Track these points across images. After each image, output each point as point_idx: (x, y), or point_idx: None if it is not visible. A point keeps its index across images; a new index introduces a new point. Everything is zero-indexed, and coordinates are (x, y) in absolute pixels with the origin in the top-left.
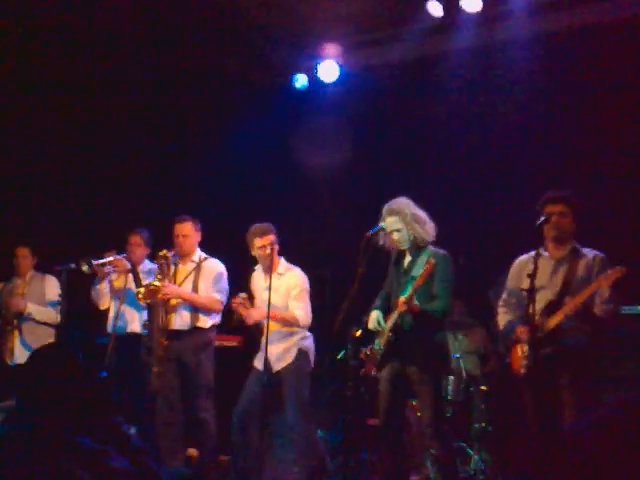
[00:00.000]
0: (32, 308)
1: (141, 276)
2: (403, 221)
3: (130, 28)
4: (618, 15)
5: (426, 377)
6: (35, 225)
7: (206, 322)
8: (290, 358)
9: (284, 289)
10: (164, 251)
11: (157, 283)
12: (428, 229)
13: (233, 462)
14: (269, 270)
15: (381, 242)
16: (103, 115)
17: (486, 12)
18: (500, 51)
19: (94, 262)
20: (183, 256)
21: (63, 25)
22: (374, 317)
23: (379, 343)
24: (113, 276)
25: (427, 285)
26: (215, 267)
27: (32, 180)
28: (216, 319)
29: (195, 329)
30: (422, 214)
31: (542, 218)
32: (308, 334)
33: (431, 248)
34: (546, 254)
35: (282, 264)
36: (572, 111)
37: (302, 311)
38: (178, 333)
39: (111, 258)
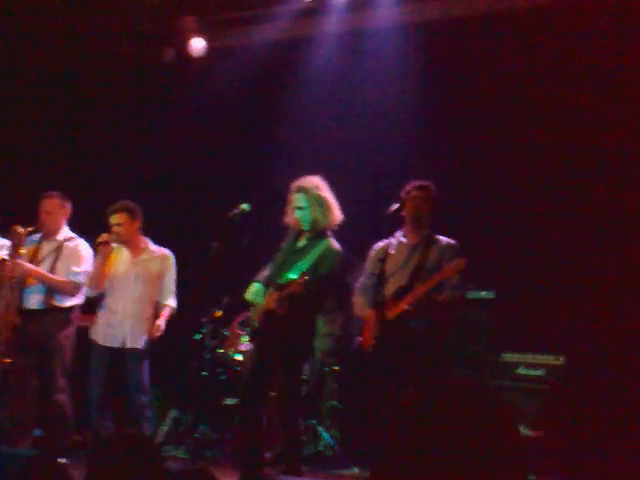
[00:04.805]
0: None
1: None
2: (307, 201)
3: None
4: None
5: (292, 359)
6: None
7: (64, 302)
8: None
9: None
10: (17, 226)
11: (6, 259)
12: (330, 216)
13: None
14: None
15: (287, 219)
16: None
17: None
18: (369, 38)
19: None
20: (47, 234)
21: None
22: (254, 290)
23: (254, 317)
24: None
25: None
26: (77, 248)
27: None
28: (78, 300)
29: (52, 308)
30: (330, 199)
31: (397, 204)
32: None
33: (329, 240)
34: (403, 240)
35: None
36: (442, 104)
37: None
38: (33, 312)
39: None
